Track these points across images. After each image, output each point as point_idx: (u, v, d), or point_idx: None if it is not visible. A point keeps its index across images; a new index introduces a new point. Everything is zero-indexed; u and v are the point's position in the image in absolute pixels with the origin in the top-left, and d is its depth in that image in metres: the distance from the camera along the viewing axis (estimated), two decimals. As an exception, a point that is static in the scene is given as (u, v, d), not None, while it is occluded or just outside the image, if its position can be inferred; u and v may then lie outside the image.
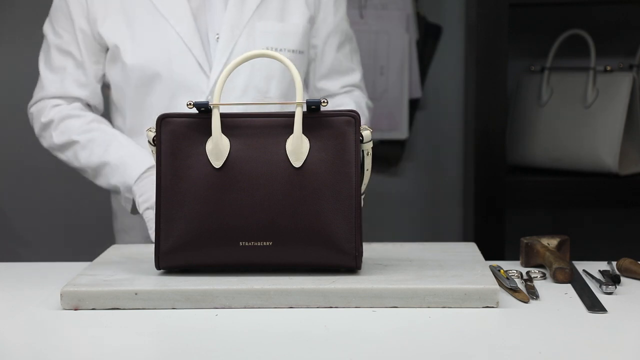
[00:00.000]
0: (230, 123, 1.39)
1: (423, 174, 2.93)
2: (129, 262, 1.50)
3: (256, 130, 1.39)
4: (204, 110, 1.39)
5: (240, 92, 1.81)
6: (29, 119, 1.90)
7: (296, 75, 1.38)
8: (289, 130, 1.38)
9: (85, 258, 1.75)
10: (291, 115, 1.38)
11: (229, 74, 1.38)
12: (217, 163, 1.38)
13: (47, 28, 1.86)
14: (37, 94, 1.87)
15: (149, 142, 1.42)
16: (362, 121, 1.80)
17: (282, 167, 1.37)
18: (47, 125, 1.83)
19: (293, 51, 1.83)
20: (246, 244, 1.37)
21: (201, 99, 1.77)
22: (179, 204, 1.38)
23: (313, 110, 1.39)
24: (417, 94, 2.77)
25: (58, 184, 2.94)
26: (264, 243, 1.37)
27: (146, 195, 1.69)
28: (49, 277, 1.52)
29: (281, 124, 1.39)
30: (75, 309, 1.34)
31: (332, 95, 1.93)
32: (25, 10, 2.89)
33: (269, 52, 1.40)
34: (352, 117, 1.38)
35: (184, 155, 1.39)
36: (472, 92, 2.60)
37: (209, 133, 1.38)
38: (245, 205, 1.37)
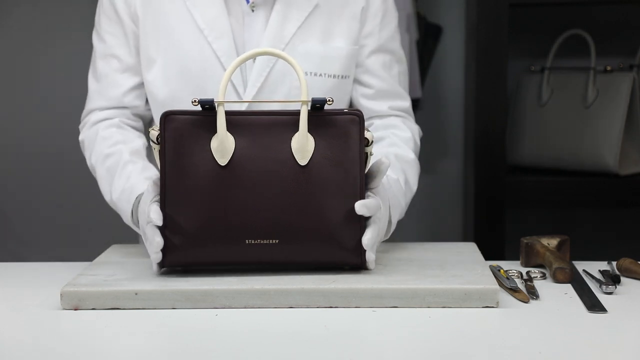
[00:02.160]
0: (235, 121, 1.39)
1: (423, 174, 2.92)
2: (129, 262, 1.50)
3: (261, 128, 1.39)
4: (208, 107, 1.38)
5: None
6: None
7: (301, 73, 1.38)
8: (294, 128, 1.38)
9: (85, 258, 1.75)
10: (295, 114, 1.39)
11: (233, 72, 1.38)
12: (223, 161, 1.38)
13: (94, 37, 1.75)
14: (85, 107, 1.76)
15: (152, 141, 1.41)
16: (416, 151, 1.73)
17: (288, 165, 1.38)
18: (82, 147, 1.74)
19: (335, 76, 1.69)
20: (252, 242, 1.37)
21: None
22: (184, 202, 1.37)
23: (317, 108, 1.39)
24: (417, 94, 2.77)
25: (58, 184, 2.94)
26: (270, 241, 1.38)
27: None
28: (49, 277, 1.52)
29: (286, 122, 1.39)
30: (75, 309, 1.34)
31: (382, 116, 1.75)
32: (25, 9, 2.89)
33: (273, 50, 1.40)
34: (356, 115, 1.39)
35: (188, 152, 1.38)
36: (472, 92, 2.60)
37: (212, 130, 1.38)
38: (251, 203, 1.37)
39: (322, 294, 1.33)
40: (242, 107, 1.66)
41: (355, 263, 1.40)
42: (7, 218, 2.98)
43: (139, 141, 1.68)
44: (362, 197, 1.39)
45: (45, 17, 2.92)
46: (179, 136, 1.38)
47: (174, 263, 1.39)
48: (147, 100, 1.74)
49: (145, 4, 1.68)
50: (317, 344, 1.19)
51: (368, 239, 1.38)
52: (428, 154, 2.90)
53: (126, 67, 1.71)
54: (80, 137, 1.74)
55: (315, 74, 1.68)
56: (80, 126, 1.77)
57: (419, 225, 2.92)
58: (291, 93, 1.67)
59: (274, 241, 1.38)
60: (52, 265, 1.65)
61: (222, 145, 1.37)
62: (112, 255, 1.57)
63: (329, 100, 1.38)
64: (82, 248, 2.70)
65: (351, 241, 1.38)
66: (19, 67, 2.92)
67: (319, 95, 1.59)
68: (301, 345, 1.18)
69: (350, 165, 1.39)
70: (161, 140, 1.39)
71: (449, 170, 2.92)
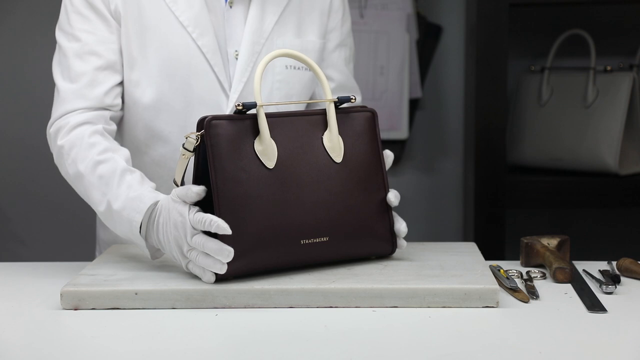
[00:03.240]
0: (269, 123, 1.40)
1: (423, 174, 2.93)
2: (129, 262, 1.50)
3: (292, 129, 1.41)
4: (243, 111, 1.38)
5: (279, 108, 1.68)
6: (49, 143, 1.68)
7: (321, 74, 1.45)
8: (319, 127, 1.43)
9: (86, 258, 1.75)
10: (317, 113, 1.44)
11: (262, 71, 1.40)
12: (270, 164, 1.38)
13: (61, 38, 1.67)
14: (55, 110, 1.66)
15: (186, 149, 1.37)
16: None
17: (325, 164, 1.42)
18: (59, 153, 1.61)
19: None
20: (306, 241, 1.39)
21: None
22: (240, 209, 1.35)
23: (336, 106, 1.45)
24: (417, 94, 2.77)
25: (58, 184, 2.93)
26: (322, 239, 1.40)
27: (165, 246, 1.43)
28: (49, 277, 1.52)
29: (312, 121, 1.44)
30: (75, 309, 1.34)
31: None
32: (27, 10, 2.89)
33: (293, 52, 1.45)
34: (371, 112, 1.49)
35: (236, 157, 1.37)
36: (472, 92, 2.60)
37: (250, 134, 1.38)
38: (302, 203, 1.39)
39: (322, 294, 1.33)
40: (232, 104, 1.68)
41: (387, 252, 1.48)
42: (7, 218, 2.98)
43: (126, 150, 1.61)
44: (387, 188, 1.48)
45: (45, 16, 2.92)
46: (225, 142, 1.37)
47: (238, 272, 1.36)
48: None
49: (126, 2, 1.66)
50: (317, 344, 1.19)
51: (405, 226, 1.50)
52: (428, 154, 2.91)
53: (107, 64, 1.66)
54: (59, 143, 1.61)
55: (295, 67, 1.73)
56: (51, 130, 1.65)
57: (419, 225, 2.92)
58: (273, 86, 1.71)
59: (324, 239, 1.40)
60: (52, 265, 1.65)
61: (269, 148, 1.38)
62: (112, 255, 1.57)
63: (352, 98, 1.45)
64: (82, 248, 2.70)
65: (384, 232, 1.46)
66: (18, 66, 2.92)
67: (298, 87, 1.72)
68: (301, 345, 1.18)
69: (373, 159, 1.47)
70: (207, 147, 1.36)
71: (449, 170, 2.92)
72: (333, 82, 1.79)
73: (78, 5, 1.65)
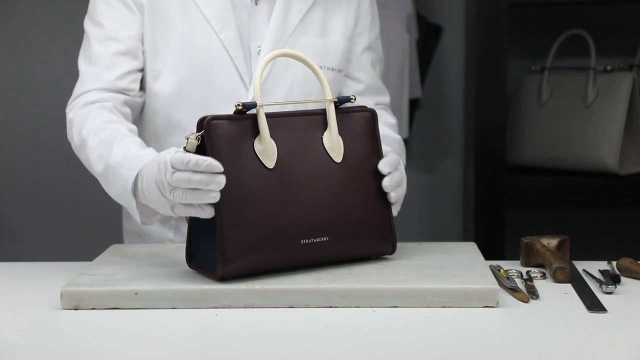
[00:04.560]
0: (269, 123, 1.39)
1: (423, 174, 2.93)
2: (129, 262, 1.50)
3: (292, 129, 1.41)
4: (243, 111, 1.38)
5: (278, 108, 1.68)
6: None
7: (321, 73, 1.45)
8: (319, 127, 1.43)
9: (85, 258, 1.75)
10: (317, 113, 1.44)
11: (262, 71, 1.41)
12: (270, 163, 1.38)
13: (87, 25, 1.73)
14: (74, 92, 1.71)
15: (187, 151, 1.37)
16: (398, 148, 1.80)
17: (325, 164, 1.42)
18: (70, 126, 1.66)
19: (333, 69, 1.77)
20: (306, 241, 1.39)
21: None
22: (240, 209, 1.35)
23: (335, 106, 1.46)
24: (417, 94, 2.77)
25: (58, 183, 2.94)
26: (322, 239, 1.40)
27: (153, 197, 1.43)
28: (49, 277, 1.52)
29: (311, 121, 1.43)
30: (75, 309, 1.34)
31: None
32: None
33: (293, 51, 1.45)
34: (371, 112, 1.49)
35: (235, 158, 1.37)
36: (472, 92, 2.60)
37: (249, 133, 1.38)
38: (302, 203, 1.39)
39: (322, 294, 1.33)
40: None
41: (388, 252, 1.47)
42: (7, 218, 2.98)
43: (133, 126, 1.64)
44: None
45: (45, 15, 2.92)
46: (225, 141, 1.37)
47: (238, 272, 1.36)
48: (140, 88, 1.73)
49: None
50: (317, 344, 1.19)
51: (389, 180, 1.47)
52: (428, 154, 2.91)
53: (126, 50, 1.70)
54: (70, 116, 1.67)
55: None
56: (67, 109, 1.70)
57: (419, 225, 2.92)
58: (294, 84, 1.73)
59: (324, 239, 1.40)
60: (52, 265, 1.65)
61: (269, 148, 1.38)
62: (112, 255, 1.57)
63: (352, 98, 1.45)
64: (82, 248, 2.70)
65: (384, 232, 1.46)
66: (18, 67, 2.92)
67: (319, 86, 1.65)
68: (301, 345, 1.18)
69: (374, 158, 1.46)
70: (208, 146, 1.36)
71: (449, 170, 2.92)
72: (362, 83, 1.82)
73: None
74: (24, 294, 1.44)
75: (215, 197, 1.34)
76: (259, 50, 1.71)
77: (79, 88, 1.71)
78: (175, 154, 1.37)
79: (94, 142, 1.58)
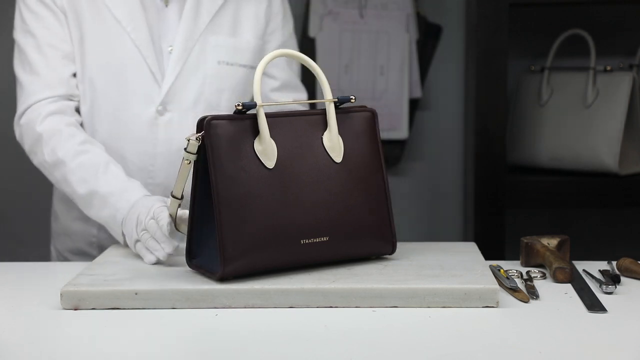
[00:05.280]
0: (269, 123, 1.39)
1: (423, 173, 2.93)
2: (129, 262, 1.50)
3: (292, 129, 1.41)
4: (243, 111, 1.38)
5: (190, 104, 1.80)
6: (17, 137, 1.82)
7: (320, 73, 1.45)
8: (319, 127, 1.43)
9: (85, 258, 1.75)
10: (317, 113, 1.44)
11: (262, 72, 1.41)
12: (270, 163, 1.38)
13: (19, 36, 1.80)
14: (22, 103, 1.79)
15: (189, 152, 1.38)
16: None
17: (325, 164, 1.42)
18: (38, 140, 1.74)
19: (244, 66, 1.85)
20: (306, 241, 1.39)
21: (151, 108, 1.77)
22: (240, 209, 1.35)
23: (335, 106, 1.45)
24: (417, 94, 2.77)
25: (58, 184, 2.93)
26: (322, 239, 1.40)
27: (128, 229, 1.59)
28: (49, 277, 1.52)
29: (311, 122, 1.43)
30: (75, 309, 1.34)
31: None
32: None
33: (292, 52, 1.46)
34: (371, 112, 1.48)
35: (235, 157, 1.37)
36: (472, 92, 2.60)
37: (250, 134, 1.38)
38: (302, 203, 1.39)
39: (322, 294, 1.33)
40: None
41: (388, 252, 1.47)
42: (7, 218, 2.98)
43: (101, 145, 1.75)
44: (387, 187, 1.47)
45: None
46: (225, 141, 1.37)
47: (238, 272, 1.36)
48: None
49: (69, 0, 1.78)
50: (317, 344, 1.19)
51: None
52: (428, 154, 2.91)
53: (64, 55, 1.78)
54: (38, 129, 1.73)
55: (227, 63, 1.83)
56: (21, 121, 1.78)
57: (419, 225, 2.92)
58: (205, 81, 1.81)
59: (324, 239, 1.40)
60: (52, 265, 1.65)
61: (269, 148, 1.38)
62: (112, 255, 1.57)
63: (352, 99, 1.45)
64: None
65: (385, 232, 1.46)
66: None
67: (231, 82, 1.82)
68: (301, 345, 1.18)
69: (373, 159, 1.46)
70: (207, 147, 1.36)
71: (449, 171, 2.92)
72: (277, 80, 1.89)
73: (30, 4, 1.78)
74: (24, 294, 1.44)
75: (164, 256, 1.49)
76: (171, 50, 1.79)
77: (28, 99, 1.78)
78: (160, 208, 1.52)
79: (73, 165, 1.69)
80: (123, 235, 1.61)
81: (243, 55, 1.84)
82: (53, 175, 1.74)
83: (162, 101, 1.78)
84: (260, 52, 1.87)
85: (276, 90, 1.89)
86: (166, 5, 1.80)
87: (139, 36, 1.77)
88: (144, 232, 1.52)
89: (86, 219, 1.82)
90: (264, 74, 1.87)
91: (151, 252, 1.50)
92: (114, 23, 1.77)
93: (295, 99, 1.90)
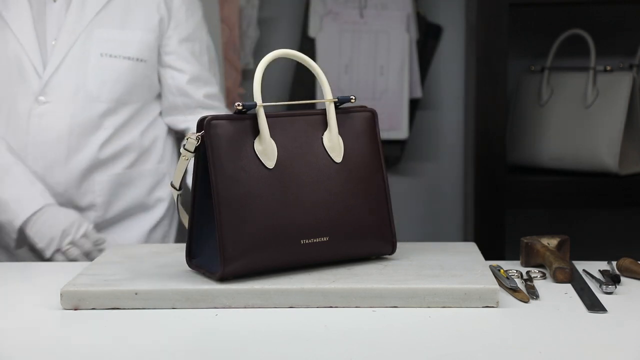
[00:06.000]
0: (269, 123, 1.39)
1: (423, 173, 2.93)
2: (129, 262, 1.50)
3: (292, 129, 1.41)
4: (243, 111, 1.38)
5: (70, 94, 1.86)
6: None
7: (320, 73, 1.45)
8: (319, 127, 1.43)
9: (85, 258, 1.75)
10: (317, 113, 1.44)
11: (263, 72, 1.40)
12: (270, 163, 1.38)
13: None
14: None
15: (186, 150, 1.38)
16: None
17: (325, 164, 1.42)
18: None
19: (130, 58, 1.88)
20: (306, 241, 1.39)
21: (31, 99, 1.85)
22: (240, 209, 1.35)
23: (335, 106, 1.45)
24: (417, 94, 2.77)
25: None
26: (322, 239, 1.40)
27: (48, 237, 1.72)
28: (49, 277, 1.52)
29: (311, 122, 1.43)
30: (75, 309, 1.34)
31: (193, 107, 1.98)
32: None
33: (292, 51, 1.45)
34: (371, 112, 1.48)
35: (235, 157, 1.36)
36: (472, 92, 2.60)
37: (250, 134, 1.38)
38: (303, 203, 1.39)
39: (322, 294, 1.33)
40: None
41: (388, 252, 1.47)
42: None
43: (4, 142, 1.85)
44: (387, 187, 1.47)
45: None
46: (225, 141, 1.36)
47: (238, 272, 1.36)
48: None
49: None
50: (317, 344, 1.19)
51: None
52: (428, 154, 2.91)
53: None
54: None
55: (111, 55, 1.87)
56: None
57: (419, 225, 2.92)
58: (87, 73, 1.86)
59: (324, 239, 1.40)
60: (52, 265, 1.65)
61: (269, 148, 1.38)
62: (112, 255, 1.57)
63: (352, 99, 1.45)
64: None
65: (385, 232, 1.45)
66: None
67: (113, 75, 1.87)
68: (301, 345, 1.18)
69: (373, 159, 1.46)
70: (207, 147, 1.35)
71: (449, 170, 2.92)
72: (186, 74, 1.94)
73: None
74: (24, 294, 1.44)
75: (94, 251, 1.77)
76: (54, 43, 1.85)
77: None
78: (91, 231, 1.77)
79: None
80: (15, 240, 1.79)
81: (131, 47, 1.89)
82: None
83: (42, 91, 1.84)
84: (154, 46, 1.91)
85: (188, 83, 1.94)
86: (54, 1, 1.87)
87: (23, 33, 1.85)
88: (70, 246, 1.74)
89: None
90: (172, 67, 1.93)
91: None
92: (3, 24, 1.87)
93: (205, 93, 1.95)
